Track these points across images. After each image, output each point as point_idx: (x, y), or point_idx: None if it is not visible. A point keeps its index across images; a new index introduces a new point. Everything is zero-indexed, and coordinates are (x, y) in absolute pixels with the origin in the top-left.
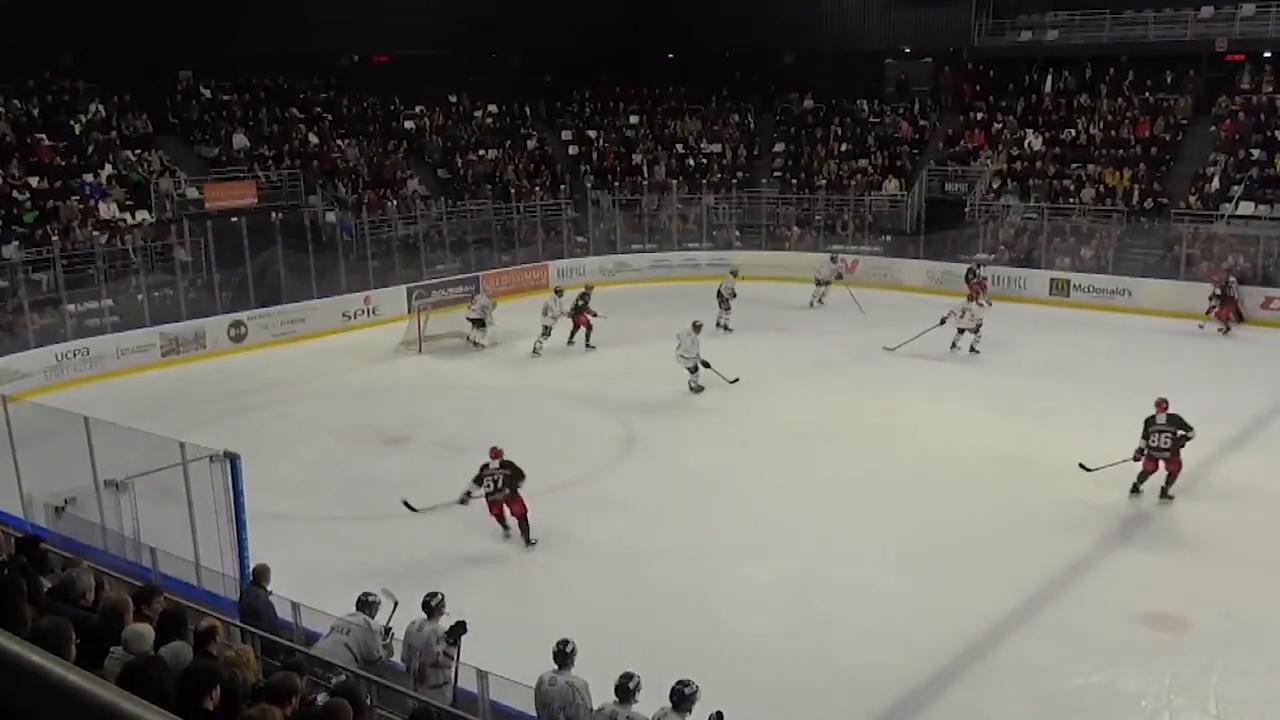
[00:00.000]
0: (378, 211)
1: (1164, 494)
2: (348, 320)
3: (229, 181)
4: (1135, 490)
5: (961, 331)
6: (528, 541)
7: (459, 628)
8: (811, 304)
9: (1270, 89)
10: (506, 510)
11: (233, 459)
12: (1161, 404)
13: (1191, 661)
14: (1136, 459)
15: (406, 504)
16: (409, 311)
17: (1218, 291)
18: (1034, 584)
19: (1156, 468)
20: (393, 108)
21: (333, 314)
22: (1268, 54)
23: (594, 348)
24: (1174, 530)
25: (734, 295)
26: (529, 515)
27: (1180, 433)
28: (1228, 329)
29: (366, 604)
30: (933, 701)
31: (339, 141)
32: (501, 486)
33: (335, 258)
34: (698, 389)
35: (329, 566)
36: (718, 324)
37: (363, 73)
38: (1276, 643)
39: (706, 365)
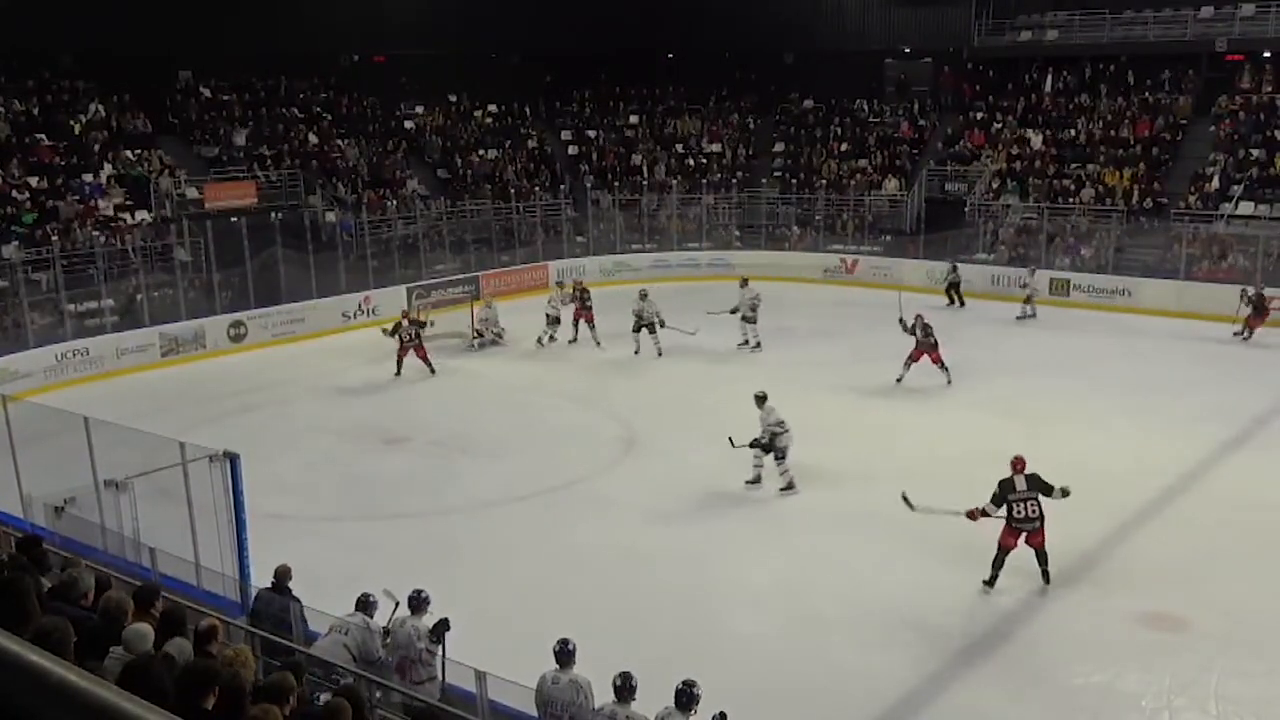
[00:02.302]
0: (377, 211)
1: (1046, 579)
2: (347, 320)
3: (229, 181)
4: (991, 583)
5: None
6: (431, 371)
7: (442, 625)
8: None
9: (1270, 89)
10: (413, 353)
11: (232, 459)
12: (1018, 463)
13: (1191, 661)
14: (971, 518)
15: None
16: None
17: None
18: (1033, 584)
19: (1016, 544)
20: (392, 107)
21: (332, 314)
22: (1267, 54)
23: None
24: (1174, 530)
25: (661, 323)
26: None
27: (1044, 498)
28: (1248, 334)
29: (365, 604)
30: (932, 702)
31: (339, 141)
32: (413, 338)
33: (335, 257)
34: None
35: (328, 566)
36: (636, 351)
37: (362, 72)
38: (1276, 643)
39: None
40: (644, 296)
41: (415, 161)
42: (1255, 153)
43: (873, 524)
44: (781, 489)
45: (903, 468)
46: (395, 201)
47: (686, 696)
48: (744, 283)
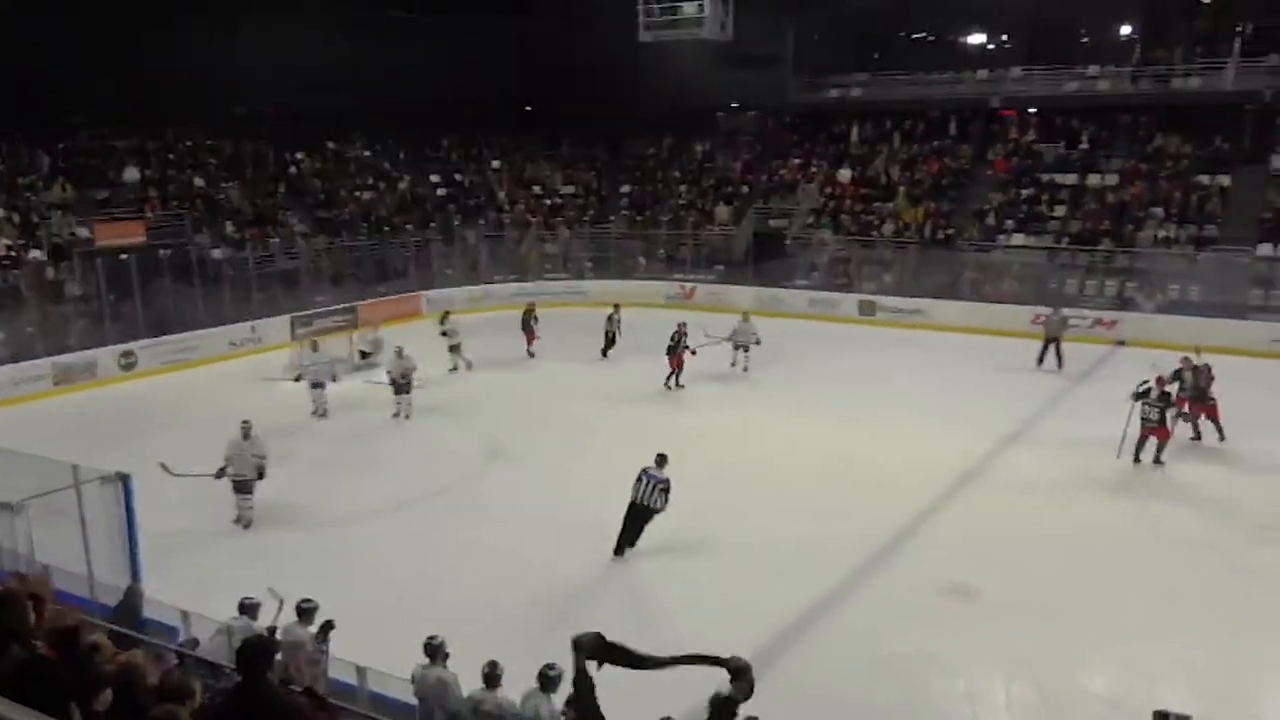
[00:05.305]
0: (260, 249)
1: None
2: (235, 347)
3: (119, 221)
4: None
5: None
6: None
7: (327, 625)
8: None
9: (1034, 138)
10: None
11: (124, 479)
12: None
13: (986, 626)
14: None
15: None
16: (292, 339)
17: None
18: (855, 560)
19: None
20: (275, 153)
21: (220, 342)
22: (1033, 110)
23: (682, 387)
24: (967, 513)
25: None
26: None
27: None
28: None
29: (247, 607)
30: (764, 672)
31: (224, 185)
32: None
33: (221, 291)
34: None
35: (216, 577)
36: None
37: (249, 121)
38: (1059, 607)
39: None
40: (443, 319)
41: (296, 202)
42: (1024, 192)
43: (713, 516)
44: (235, 519)
45: (740, 468)
46: (279, 239)
47: (546, 679)
48: (444, 317)
